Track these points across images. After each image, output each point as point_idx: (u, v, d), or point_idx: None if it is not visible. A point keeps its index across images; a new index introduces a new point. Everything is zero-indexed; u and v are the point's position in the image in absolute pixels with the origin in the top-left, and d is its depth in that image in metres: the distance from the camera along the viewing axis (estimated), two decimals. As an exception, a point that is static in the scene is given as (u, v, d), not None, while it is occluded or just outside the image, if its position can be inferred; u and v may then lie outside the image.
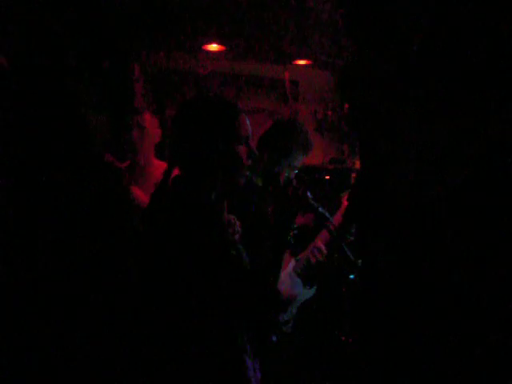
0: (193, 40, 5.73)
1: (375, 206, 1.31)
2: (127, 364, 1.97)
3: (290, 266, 3.33)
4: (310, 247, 3.44)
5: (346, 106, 6.85)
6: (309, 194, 2.39)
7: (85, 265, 1.90)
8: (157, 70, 5.99)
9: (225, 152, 2.08)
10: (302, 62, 6.55)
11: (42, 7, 2.05)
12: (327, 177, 3.41)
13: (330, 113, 7.05)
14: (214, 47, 5.95)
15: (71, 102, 2.14)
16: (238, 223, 2.18)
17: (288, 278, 3.25)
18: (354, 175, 5.24)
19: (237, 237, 2.15)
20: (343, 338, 2.65)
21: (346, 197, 3.44)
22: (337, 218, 3.43)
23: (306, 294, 3.28)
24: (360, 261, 1.62)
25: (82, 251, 1.91)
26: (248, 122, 2.20)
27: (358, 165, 6.34)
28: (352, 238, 3.12)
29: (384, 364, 1.25)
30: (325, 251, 3.41)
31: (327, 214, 2.46)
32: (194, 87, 6.34)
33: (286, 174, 3.11)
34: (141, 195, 2.78)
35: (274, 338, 2.65)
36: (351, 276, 3.20)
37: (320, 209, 2.38)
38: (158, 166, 3.15)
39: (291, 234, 2.60)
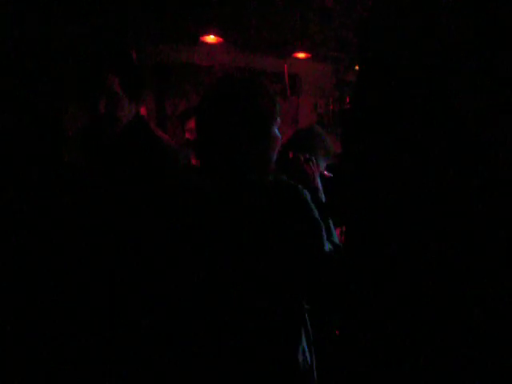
0: (189, 31, 5.69)
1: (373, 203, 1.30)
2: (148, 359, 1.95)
3: None
4: None
5: (347, 100, 6.84)
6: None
7: (85, 262, 1.89)
8: (154, 62, 5.97)
9: (264, 132, 2.02)
10: (301, 55, 6.51)
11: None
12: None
13: (331, 107, 7.02)
14: (211, 39, 5.90)
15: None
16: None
17: None
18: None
19: None
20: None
21: None
22: None
23: None
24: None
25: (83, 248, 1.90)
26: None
27: None
28: None
29: (382, 363, 1.25)
30: None
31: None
32: (194, 79, 6.32)
33: None
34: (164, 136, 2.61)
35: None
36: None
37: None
38: None
39: None
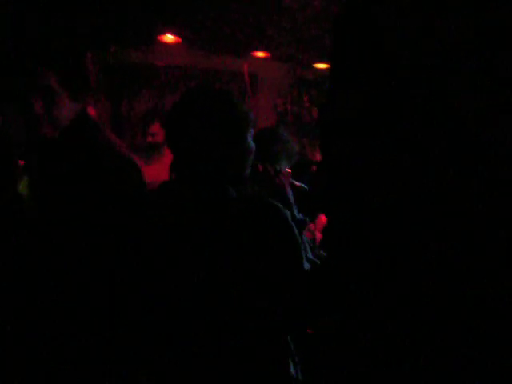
0: (146, 30, 5.61)
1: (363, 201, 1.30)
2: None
3: None
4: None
5: (306, 98, 6.90)
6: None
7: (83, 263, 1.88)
8: (111, 62, 5.87)
9: (241, 141, 1.99)
10: (260, 55, 6.50)
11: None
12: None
13: (289, 106, 7.06)
14: (169, 39, 5.82)
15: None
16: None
17: None
18: (314, 168, 5.28)
19: None
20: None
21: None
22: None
23: None
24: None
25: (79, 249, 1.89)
26: None
27: (317, 157, 6.39)
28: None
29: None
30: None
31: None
32: (151, 80, 6.26)
33: None
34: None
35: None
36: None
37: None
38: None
39: None
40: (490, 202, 1.17)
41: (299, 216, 2.92)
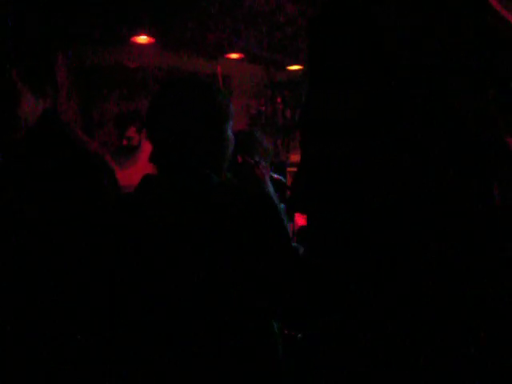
0: (120, 31, 5.54)
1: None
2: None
3: None
4: None
5: (279, 100, 6.93)
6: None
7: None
8: (82, 62, 5.79)
9: (219, 132, 1.97)
10: (234, 56, 6.48)
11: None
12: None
13: (263, 108, 7.08)
14: (142, 39, 5.75)
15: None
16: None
17: None
18: (288, 169, 5.29)
19: None
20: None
21: None
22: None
23: None
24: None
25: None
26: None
27: (291, 159, 6.41)
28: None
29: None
30: None
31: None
32: (123, 81, 6.19)
33: None
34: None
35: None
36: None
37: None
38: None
39: None
40: (489, 202, 1.17)
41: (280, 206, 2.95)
